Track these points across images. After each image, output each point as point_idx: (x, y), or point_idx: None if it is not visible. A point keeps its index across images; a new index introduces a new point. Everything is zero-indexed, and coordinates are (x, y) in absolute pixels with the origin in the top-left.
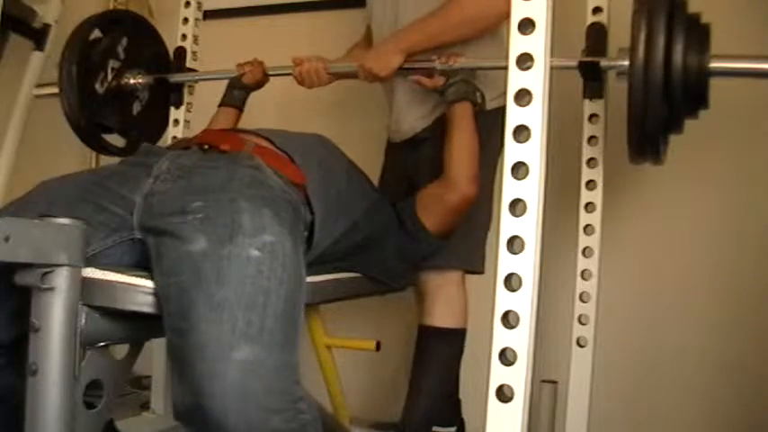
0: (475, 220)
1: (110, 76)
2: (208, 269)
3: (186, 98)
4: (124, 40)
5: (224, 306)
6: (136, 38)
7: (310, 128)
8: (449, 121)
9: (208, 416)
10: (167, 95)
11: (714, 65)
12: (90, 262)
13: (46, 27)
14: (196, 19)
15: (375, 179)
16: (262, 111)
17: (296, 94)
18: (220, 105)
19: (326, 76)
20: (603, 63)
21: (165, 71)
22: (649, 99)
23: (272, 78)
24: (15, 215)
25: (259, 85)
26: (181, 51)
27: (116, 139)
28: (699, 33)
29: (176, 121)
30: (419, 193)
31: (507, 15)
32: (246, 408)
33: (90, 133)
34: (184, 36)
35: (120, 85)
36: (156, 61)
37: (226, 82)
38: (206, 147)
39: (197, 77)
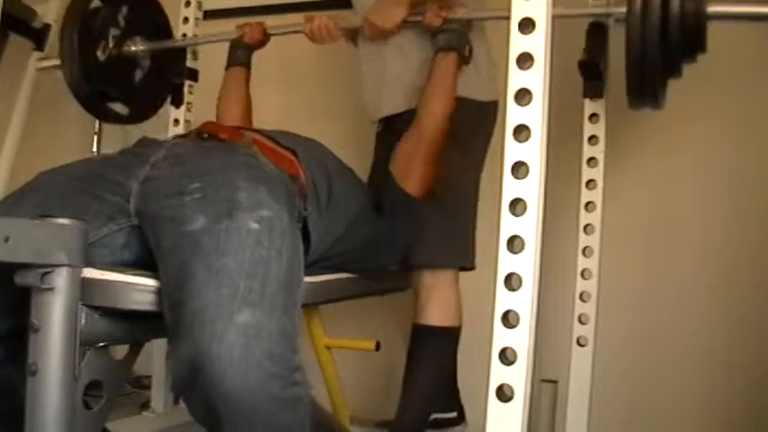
0: (464, 217)
1: (111, 45)
2: (207, 242)
3: (186, 98)
4: (124, 9)
5: (223, 273)
6: (136, 6)
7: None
8: (432, 69)
9: (206, 380)
10: (168, 63)
11: (712, 9)
12: (88, 251)
13: (46, 27)
14: (196, 18)
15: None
16: (261, 110)
17: (296, 95)
18: (227, 67)
19: (337, 32)
20: (603, 11)
21: (165, 38)
22: (647, 44)
23: (272, 78)
24: (13, 207)
25: (261, 44)
26: (181, 51)
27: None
28: None
29: (176, 121)
30: (392, 164)
31: None
32: (246, 371)
33: (92, 101)
34: (185, 35)
35: (121, 53)
36: (156, 29)
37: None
38: (205, 135)
39: (197, 41)
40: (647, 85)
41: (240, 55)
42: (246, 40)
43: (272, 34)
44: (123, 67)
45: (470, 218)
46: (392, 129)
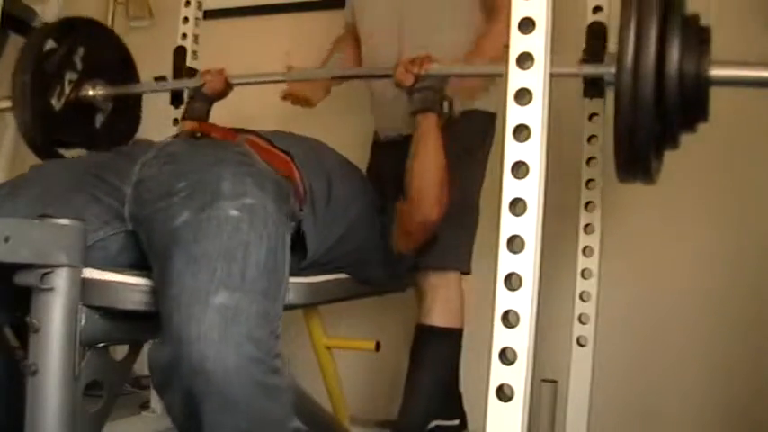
0: (471, 221)
1: (67, 89)
2: (187, 232)
3: (186, 98)
4: (81, 50)
5: (202, 259)
6: (94, 46)
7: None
8: (414, 133)
9: (186, 366)
10: (132, 102)
11: (715, 72)
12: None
13: None
14: (196, 18)
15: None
16: (264, 107)
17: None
18: (182, 118)
19: (315, 100)
20: (592, 70)
21: (127, 80)
22: (639, 111)
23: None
24: (9, 200)
25: (221, 95)
26: (181, 50)
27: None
28: (697, 36)
29: (176, 121)
30: (399, 207)
31: None
32: (225, 353)
33: (48, 151)
34: (185, 35)
35: (78, 98)
36: (117, 70)
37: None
38: (198, 134)
39: (157, 88)
40: (638, 159)
41: (197, 108)
42: (206, 91)
43: (236, 84)
44: (82, 113)
45: (474, 223)
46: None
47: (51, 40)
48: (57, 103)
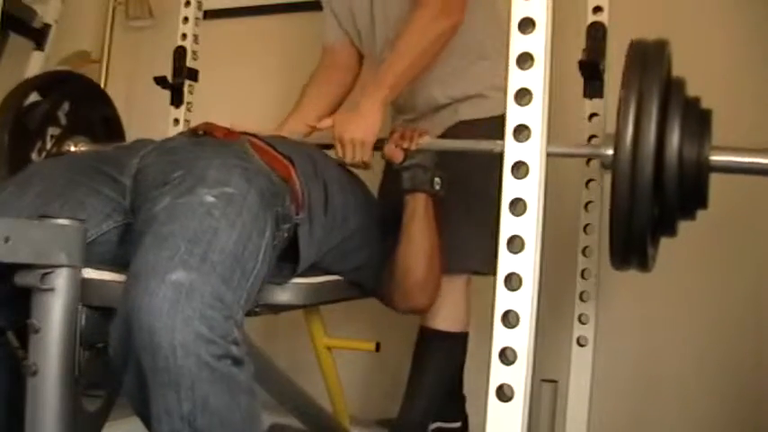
0: (481, 221)
1: (48, 144)
2: (163, 215)
3: (186, 98)
4: (66, 105)
5: (168, 238)
6: (80, 101)
7: None
8: (404, 212)
9: (135, 337)
10: None
11: (716, 158)
12: (87, 249)
13: (46, 27)
14: (196, 18)
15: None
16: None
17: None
18: None
19: None
20: (591, 151)
21: (111, 138)
22: (637, 198)
23: (274, 70)
24: (13, 197)
25: None
26: (181, 51)
27: None
28: (698, 120)
29: (176, 121)
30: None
31: None
32: (173, 327)
33: None
34: (184, 35)
35: (60, 153)
36: (102, 127)
37: (227, 81)
38: (200, 133)
39: None
40: (633, 247)
41: None
42: None
43: None
44: None
45: (487, 222)
46: None
47: (36, 93)
48: (36, 158)
